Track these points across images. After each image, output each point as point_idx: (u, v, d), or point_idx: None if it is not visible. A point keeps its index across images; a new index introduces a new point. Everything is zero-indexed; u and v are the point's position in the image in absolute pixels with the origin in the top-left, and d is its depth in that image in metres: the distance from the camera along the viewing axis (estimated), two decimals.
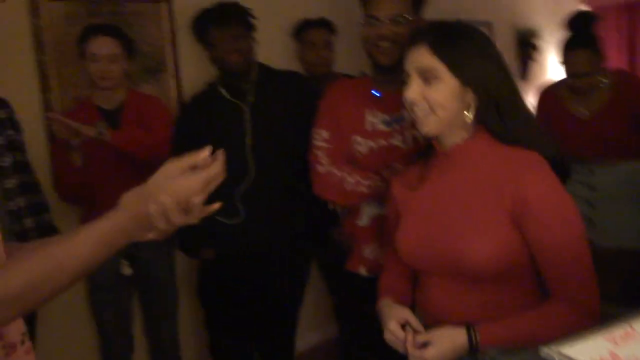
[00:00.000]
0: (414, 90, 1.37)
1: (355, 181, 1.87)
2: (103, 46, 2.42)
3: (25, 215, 2.21)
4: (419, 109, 1.37)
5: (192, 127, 2.41)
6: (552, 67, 5.41)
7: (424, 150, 1.51)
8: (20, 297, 0.88)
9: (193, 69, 3.02)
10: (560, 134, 2.84)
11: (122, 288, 2.59)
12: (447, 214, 1.40)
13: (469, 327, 1.32)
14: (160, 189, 0.95)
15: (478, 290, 1.37)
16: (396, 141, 1.86)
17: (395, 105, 1.83)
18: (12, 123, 2.27)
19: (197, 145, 2.30)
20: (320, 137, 1.96)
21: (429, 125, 1.38)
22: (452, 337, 1.32)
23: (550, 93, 3.08)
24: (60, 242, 0.93)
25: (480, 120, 1.37)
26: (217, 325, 2.52)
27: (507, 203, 1.32)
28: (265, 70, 2.45)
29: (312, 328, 3.53)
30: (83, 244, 0.93)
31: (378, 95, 1.90)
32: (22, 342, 1.02)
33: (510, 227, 1.32)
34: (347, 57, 3.45)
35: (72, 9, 2.68)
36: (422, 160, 1.51)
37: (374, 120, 1.90)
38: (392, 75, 1.81)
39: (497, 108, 1.35)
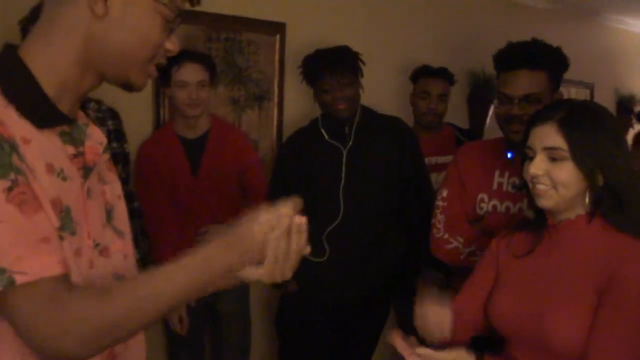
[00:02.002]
0: (538, 167, 1.38)
1: (469, 251, 1.91)
2: (192, 72, 2.43)
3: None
4: (540, 184, 1.38)
5: (292, 163, 2.50)
6: None
7: (535, 220, 1.51)
8: (117, 325, 0.87)
9: (296, 100, 3.12)
10: None
11: (194, 319, 2.57)
12: (545, 287, 1.41)
13: (477, 357, 1.35)
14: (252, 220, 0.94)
15: None
16: (522, 205, 1.88)
17: None
18: (117, 135, 2.35)
19: (294, 183, 2.42)
20: (440, 196, 2.02)
21: (549, 201, 1.39)
22: (458, 357, 1.35)
23: None
24: (156, 270, 0.92)
25: (600, 204, 1.37)
26: (291, 357, 2.58)
27: (602, 282, 1.32)
28: (368, 114, 2.51)
29: None
30: (178, 270, 0.90)
31: (511, 156, 1.91)
32: None
33: (596, 306, 1.32)
34: (460, 110, 3.47)
35: (193, 31, 2.83)
36: (531, 230, 1.51)
37: (502, 181, 1.93)
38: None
39: (617, 195, 1.36)
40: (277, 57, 3.09)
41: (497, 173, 1.95)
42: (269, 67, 3.07)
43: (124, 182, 2.33)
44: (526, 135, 1.43)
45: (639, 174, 1.42)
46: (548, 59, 1.84)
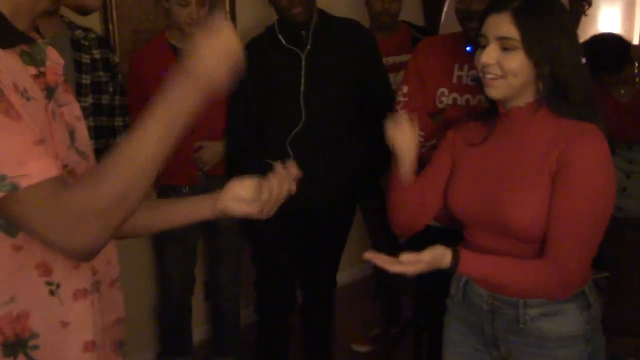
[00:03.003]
0: (489, 56, 1.41)
1: (430, 145, 1.95)
2: None
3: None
4: (490, 74, 1.42)
5: (250, 72, 2.47)
6: (604, 23, 5.30)
7: (487, 110, 1.57)
8: (119, 197, 0.90)
9: (249, 8, 3.05)
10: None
11: (188, 230, 2.67)
12: (499, 173, 1.48)
13: (454, 252, 1.42)
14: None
15: (520, 250, 1.46)
16: (482, 97, 1.92)
17: None
18: (105, 64, 2.28)
19: (253, 91, 2.41)
20: (401, 92, 2.06)
21: (498, 90, 1.43)
22: (437, 255, 1.41)
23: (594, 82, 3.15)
24: (129, 132, 0.94)
25: (547, 93, 1.42)
26: (263, 262, 2.67)
27: (553, 164, 1.40)
28: (325, 18, 2.48)
29: (350, 264, 3.66)
30: (151, 122, 0.92)
31: (470, 50, 1.93)
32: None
33: (551, 189, 1.40)
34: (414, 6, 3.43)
35: None
36: (485, 120, 1.57)
37: (462, 74, 1.97)
38: None
39: (562, 84, 1.41)
40: None
41: (456, 67, 1.98)
42: None
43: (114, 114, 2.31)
44: (481, 23, 1.45)
45: (584, 65, 1.47)
46: None
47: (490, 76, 1.42)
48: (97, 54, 2.25)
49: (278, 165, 1.15)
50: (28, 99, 0.93)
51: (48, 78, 1.00)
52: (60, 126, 1.02)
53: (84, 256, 0.94)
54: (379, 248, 3.04)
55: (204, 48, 0.94)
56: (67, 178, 0.98)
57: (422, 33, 3.08)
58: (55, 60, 1.04)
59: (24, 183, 0.84)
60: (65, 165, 1.01)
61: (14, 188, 0.84)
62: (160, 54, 2.54)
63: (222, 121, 2.59)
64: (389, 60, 2.88)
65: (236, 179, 1.20)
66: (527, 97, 1.45)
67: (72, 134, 1.06)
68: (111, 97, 2.31)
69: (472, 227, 1.56)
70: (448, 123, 1.94)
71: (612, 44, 3.04)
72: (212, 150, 2.59)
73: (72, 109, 1.09)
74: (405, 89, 2.05)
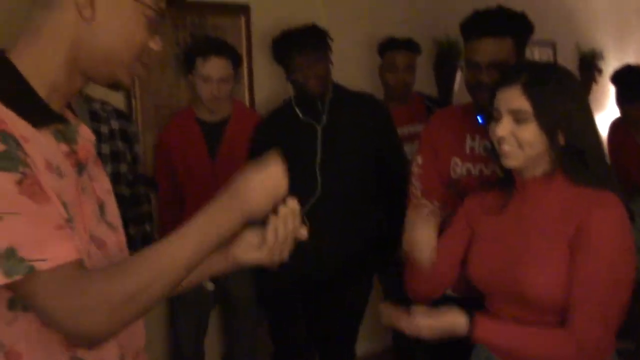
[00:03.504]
0: (504, 129, 1.43)
1: (446, 215, 1.97)
2: (217, 68, 2.48)
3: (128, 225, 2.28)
4: (506, 144, 1.44)
5: (268, 144, 2.53)
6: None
7: (504, 179, 1.58)
8: (138, 296, 0.90)
9: (266, 81, 3.15)
10: (628, 165, 2.91)
11: (203, 302, 2.67)
12: (518, 242, 1.48)
13: (470, 318, 1.40)
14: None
15: (540, 320, 1.44)
16: (495, 167, 1.94)
17: None
18: (123, 135, 2.34)
19: None
20: (415, 163, 2.07)
21: (515, 160, 1.44)
22: (453, 320, 1.40)
23: (619, 126, 3.15)
24: (165, 239, 0.95)
25: (563, 161, 1.44)
26: (280, 334, 2.65)
27: (571, 233, 1.40)
28: (340, 91, 2.56)
29: (368, 337, 3.61)
30: (190, 229, 0.95)
31: (481, 121, 1.96)
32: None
33: (570, 257, 1.39)
34: (427, 77, 3.50)
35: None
36: (501, 188, 1.58)
37: (474, 144, 1.98)
38: None
39: (580, 153, 1.43)
40: (244, 39, 3.11)
41: (468, 137, 2.00)
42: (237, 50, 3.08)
43: (132, 183, 2.35)
44: (492, 97, 1.48)
45: (599, 132, 1.50)
46: (513, 26, 1.88)
47: (506, 147, 1.44)
48: (115, 124, 2.33)
49: (280, 207, 1.16)
50: (61, 175, 0.96)
51: (79, 155, 1.03)
52: (90, 200, 1.05)
53: (87, 344, 0.94)
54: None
55: (254, 181, 1.01)
56: (95, 251, 1.01)
57: (435, 103, 3.15)
58: (87, 137, 1.08)
59: (41, 267, 0.85)
60: (94, 238, 1.03)
61: (31, 271, 0.85)
62: (187, 127, 2.62)
63: None
64: (403, 130, 2.94)
65: (247, 229, 1.21)
66: (544, 166, 1.46)
67: (102, 207, 1.09)
68: (129, 166, 2.37)
69: (492, 297, 1.55)
70: (463, 193, 1.96)
71: None
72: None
73: (103, 183, 1.13)
74: (419, 159, 2.08)
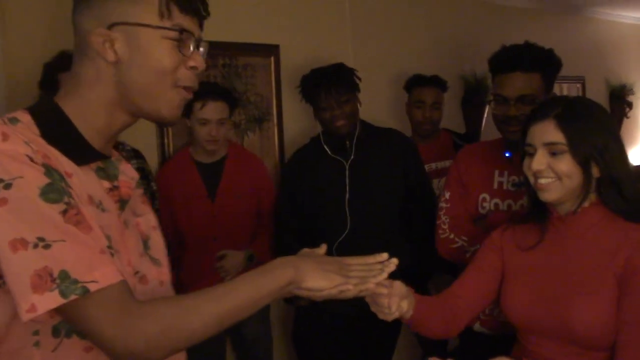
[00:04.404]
0: (540, 162, 1.43)
1: (474, 250, 1.97)
2: (214, 111, 2.52)
3: None
4: (544, 178, 1.44)
5: (297, 182, 2.57)
6: None
7: (537, 213, 1.56)
8: (195, 330, 0.96)
9: (295, 119, 3.20)
10: None
11: (215, 336, 2.67)
12: (562, 278, 1.45)
13: None
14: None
15: (585, 358, 1.41)
16: (523, 202, 1.93)
17: None
18: (141, 174, 2.43)
19: (300, 199, 2.50)
20: (443, 198, 2.09)
21: (553, 193, 1.44)
22: None
23: None
24: (228, 284, 1.01)
25: (600, 192, 1.44)
26: None
27: (619, 267, 1.38)
28: (367, 128, 2.59)
29: None
30: (223, 286, 1.00)
31: (509, 156, 1.98)
32: None
33: (618, 292, 1.37)
34: (455, 113, 3.51)
35: None
36: (533, 223, 1.55)
37: (502, 180, 1.99)
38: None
39: (615, 184, 1.42)
40: (273, 78, 3.17)
41: (496, 172, 2.01)
42: (266, 89, 3.15)
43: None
44: (524, 133, 1.49)
45: (631, 164, 1.50)
46: (541, 61, 1.91)
47: (544, 180, 1.44)
48: (134, 163, 2.38)
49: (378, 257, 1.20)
50: (103, 210, 1.01)
51: (121, 191, 1.08)
52: (134, 234, 1.09)
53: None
54: (428, 354, 2.97)
55: (313, 272, 1.07)
56: (137, 285, 1.05)
57: (463, 139, 3.16)
58: (129, 175, 1.13)
59: (93, 288, 0.89)
60: (136, 272, 1.07)
61: (85, 292, 0.89)
62: (184, 169, 2.65)
63: (247, 231, 2.65)
64: (431, 166, 2.95)
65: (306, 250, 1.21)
66: (580, 199, 1.45)
67: (146, 242, 1.13)
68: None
69: (532, 334, 1.51)
70: (491, 228, 1.96)
71: None
72: (235, 260, 2.56)
73: (149, 219, 1.16)
74: (447, 195, 2.09)
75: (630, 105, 5.11)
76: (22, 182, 0.89)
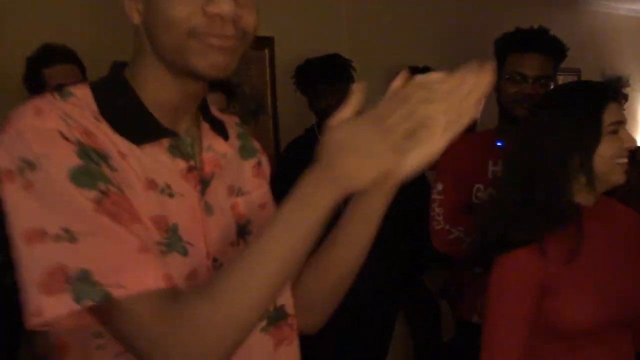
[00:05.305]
0: (632, 137, 1.40)
1: (471, 240, 1.96)
2: (211, 102, 2.54)
3: None
4: (623, 157, 1.38)
5: (292, 173, 2.55)
6: None
7: (566, 220, 1.40)
8: (234, 316, 0.76)
9: (290, 111, 3.19)
10: None
11: None
12: (614, 266, 1.41)
13: None
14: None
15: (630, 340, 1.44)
16: None
17: None
18: None
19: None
20: (436, 190, 2.09)
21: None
22: None
23: None
24: (255, 240, 0.80)
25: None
26: None
27: None
28: None
29: None
30: (277, 229, 0.78)
31: (502, 145, 2.00)
32: None
33: None
34: None
35: None
36: (566, 228, 1.39)
37: (497, 169, 2.00)
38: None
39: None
40: (267, 70, 3.16)
41: (490, 162, 2.01)
42: (261, 81, 3.14)
43: None
44: (598, 119, 1.36)
45: None
46: (555, 46, 1.98)
47: (624, 160, 1.38)
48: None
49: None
50: (171, 195, 0.85)
51: (205, 170, 0.92)
52: (222, 221, 0.92)
53: None
54: (422, 348, 2.99)
55: (340, 141, 0.82)
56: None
57: None
58: (219, 150, 0.96)
59: (117, 293, 0.73)
60: (220, 264, 0.89)
61: (106, 298, 0.73)
62: None
63: None
64: None
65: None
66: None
67: (244, 227, 0.95)
68: None
69: (602, 333, 1.38)
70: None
71: None
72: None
73: (253, 198, 0.99)
74: (440, 186, 2.08)
75: (625, 97, 5.10)
76: (48, 163, 0.75)
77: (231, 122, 1.06)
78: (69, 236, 0.73)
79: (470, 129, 3.37)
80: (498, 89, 2.01)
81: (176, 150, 0.89)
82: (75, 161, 0.76)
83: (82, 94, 0.85)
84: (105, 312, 0.76)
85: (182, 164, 0.89)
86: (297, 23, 3.28)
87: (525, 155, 1.42)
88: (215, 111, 1.02)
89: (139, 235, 0.77)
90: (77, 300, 0.72)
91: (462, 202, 2.04)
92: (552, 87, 1.98)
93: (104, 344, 0.82)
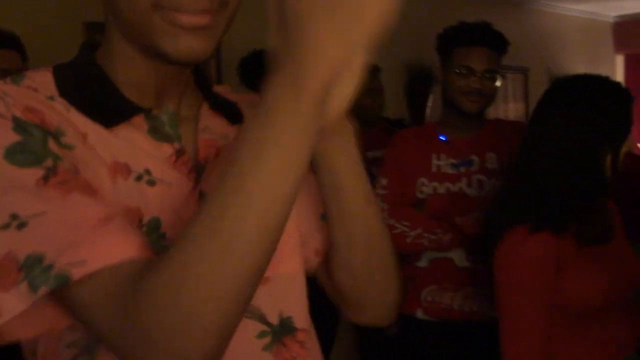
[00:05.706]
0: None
1: (416, 234, 1.97)
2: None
3: None
4: None
5: None
6: None
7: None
8: (206, 283, 0.56)
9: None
10: None
11: None
12: (614, 246, 1.48)
13: None
14: None
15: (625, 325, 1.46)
16: (462, 184, 1.98)
17: (462, 149, 2.00)
18: None
19: None
20: (379, 185, 2.08)
21: None
22: None
23: None
24: (218, 183, 0.59)
25: None
26: None
27: None
28: None
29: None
30: (242, 157, 0.58)
31: (445, 139, 2.02)
32: None
33: None
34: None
35: None
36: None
37: (440, 163, 2.02)
38: (468, 121, 1.99)
39: None
40: (213, 62, 3.12)
41: (434, 156, 2.04)
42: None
43: None
44: (628, 113, 1.46)
45: None
46: (500, 41, 2.00)
47: None
48: None
49: None
50: (151, 183, 0.73)
51: (200, 155, 0.78)
52: None
53: None
54: (367, 341, 2.99)
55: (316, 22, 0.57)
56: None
57: (396, 125, 3.18)
58: (217, 131, 0.81)
59: (77, 273, 0.59)
60: None
61: (64, 280, 0.59)
62: None
63: None
64: (370, 154, 2.95)
65: None
66: None
67: None
68: None
69: (607, 310, 1.43)
70: (431, 212, 1.98)
71: None
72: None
73: None
74: (384, 181, 2.09)
75: None
76: None
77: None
78: (17, 222, 0.61)
79: (419, 122, 3.42)
80: (444, 82, 2.03)
81: (160, 134, 0.75)
82: (11, 137, 0.65)
83: (42, 77, 0.74)
84: (65, 297, 0.62)
85: (168, 149, 0.75)
86: (241, 13, 3.24)
87: (552, 146, 1.45)
88: (227, 92, 0.87)
89: (101, 204, 0.64)
90: (33, 289, 0.59)
91: (407, 197, 2.06)
92: (499, 81, 2.00)
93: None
